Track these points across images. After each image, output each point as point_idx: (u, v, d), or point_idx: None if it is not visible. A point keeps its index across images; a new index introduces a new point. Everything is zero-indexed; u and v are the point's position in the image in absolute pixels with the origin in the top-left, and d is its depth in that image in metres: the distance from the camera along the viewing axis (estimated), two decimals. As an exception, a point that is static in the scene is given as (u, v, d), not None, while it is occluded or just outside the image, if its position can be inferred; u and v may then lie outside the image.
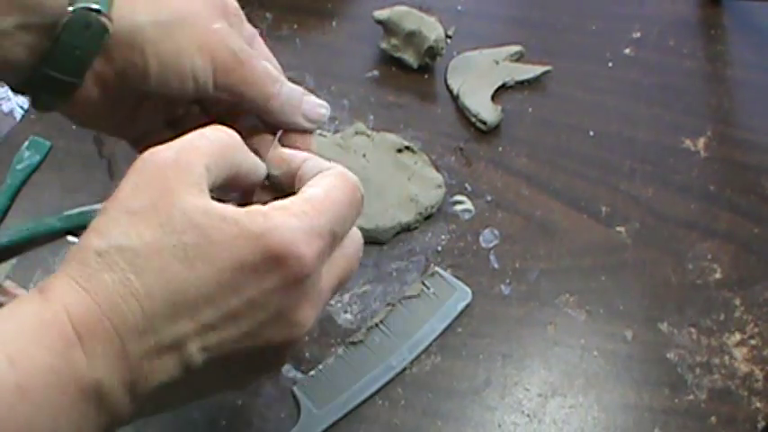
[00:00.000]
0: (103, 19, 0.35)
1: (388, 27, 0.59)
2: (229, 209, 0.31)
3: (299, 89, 0.41)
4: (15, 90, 0.38)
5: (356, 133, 0.55)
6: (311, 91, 0.52)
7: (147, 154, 0.32)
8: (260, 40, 0.43)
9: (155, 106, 0.41)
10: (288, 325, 0.32)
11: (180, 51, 0.37)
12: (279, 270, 0.31)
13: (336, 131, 0.56)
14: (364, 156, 0.53)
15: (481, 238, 0.52)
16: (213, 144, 0.33)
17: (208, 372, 0.31)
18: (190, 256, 0.30)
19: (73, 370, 0.28)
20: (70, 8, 0.35)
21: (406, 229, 0.51)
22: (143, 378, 0.30)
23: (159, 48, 0.37)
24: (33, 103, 0.38)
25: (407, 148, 0.54)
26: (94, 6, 0.35)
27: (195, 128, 0.34)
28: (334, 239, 0.33)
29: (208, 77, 0.38)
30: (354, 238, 0.36)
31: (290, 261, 0.31)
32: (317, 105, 0.42)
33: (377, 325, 0.47)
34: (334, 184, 0.35)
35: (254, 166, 0.36)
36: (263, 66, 0.39)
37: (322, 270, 0.33)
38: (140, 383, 0.30)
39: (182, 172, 0.31)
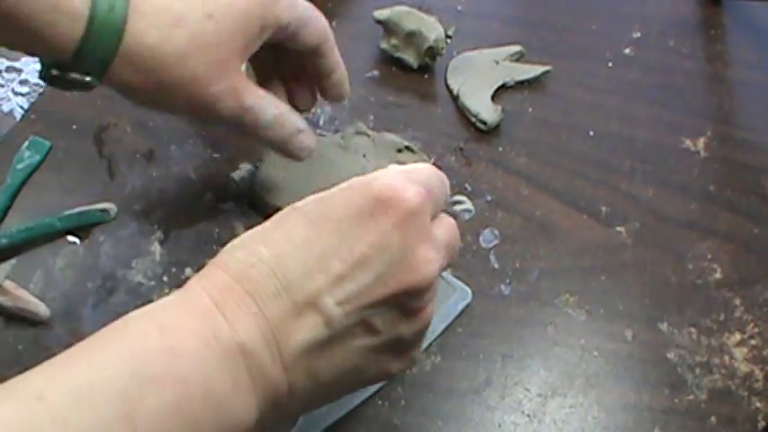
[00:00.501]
0: (91, 80, 0.39)
1: (388, 27, 0.59)
2: None
3: (292, 128, 0.45)
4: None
5: (356, 133, 0.55)
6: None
7: None
8: (310, 24, 0.44)
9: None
10: (413, 265, 0.33)
11: (166, 111, 0.43)
12: (390, 211, 0.32)
13: (336, 131, 0.56)
14: (364, 156, 0.53)
15: (481, 238, 0.52)
16: None
17: (350, 331, 0.33)
18: (311, 219, 0.33)
19: (216, 334, 0.30)
20: (59, 73, 0.39)
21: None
22: (286, 337, 0.31)
23: (146, 105, 0.42)
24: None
25: (407, 147, 0.54)
26: (87, 78, 0.39)
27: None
28: (432, 197, 0.35)
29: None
30: (449, 218, 0.38)
31: (397, 200, 0.32)
32: (306, 146, 0.47)
33: (377, 325, 0.47)
34: (425, 165, 0.37)
35: None
36: (249, 119, 0.43)
37: (429, 219, 0.34)
38: (284, 343, 0.31)
39: None
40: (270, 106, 0.43)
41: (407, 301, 0.33)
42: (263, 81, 0.48)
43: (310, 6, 0.44)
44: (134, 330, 0.30)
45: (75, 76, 0.38)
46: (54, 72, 0.39)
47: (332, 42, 0.46)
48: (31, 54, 0.40)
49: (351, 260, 0.32)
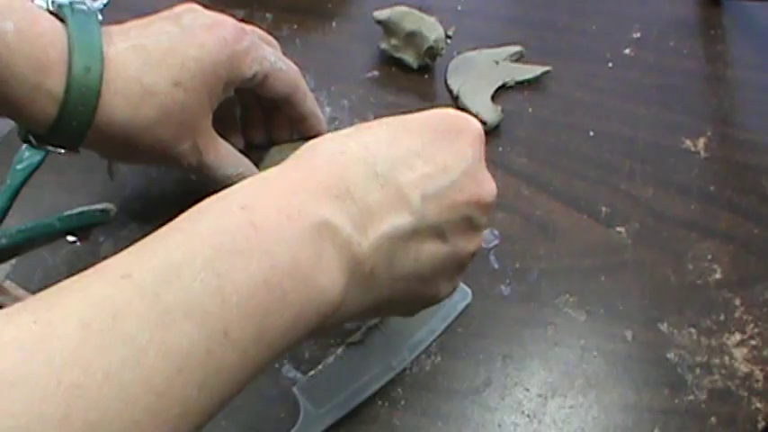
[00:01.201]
0: (63, 151, 0.43)
1: (388, 27, 0.59)
2: None
3: None
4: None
5: (356, 133, 0.55)
6: (311, 91, 0.52)
7: None
8: (278, 72, 0.47)
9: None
10: (482, 181, 0.37)
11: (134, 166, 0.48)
12: (465, 132, 0.37)
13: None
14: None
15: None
16: None
17: (427, 232, 0.35)
18: (395, 127, 0.36)
19: (300, 209, 0.30)
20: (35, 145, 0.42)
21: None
22: (372, 220, 0.32)
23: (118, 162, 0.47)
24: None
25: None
26: (60, 151, 0.43)
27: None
28: None
29: (194, 156, 0.45)
30: None
31: (470, 126, 0.37)
32: None
33: (377, 325, 0.47)
34: None
35: None
36: (210, 175, 0.46)
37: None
38: (371, 225, 0.32)
39: None
40: (229, 166, 0.47)
41: (473, 214, 0.36)
42: (246, 111, 0.52)
43: (283, 59, 0.47)
44: (215, 211, 0.29)
45: (50, 147, 0.42)
46: (31, 139, 0.42)
47: (303, 92, 0.49)
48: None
49: (435, 165, 0.35)
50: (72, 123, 0.40)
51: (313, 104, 0.50)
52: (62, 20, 0.40)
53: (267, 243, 0.29)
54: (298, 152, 0.34)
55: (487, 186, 0.37)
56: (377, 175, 0.33)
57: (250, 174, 0.47)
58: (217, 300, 0.27)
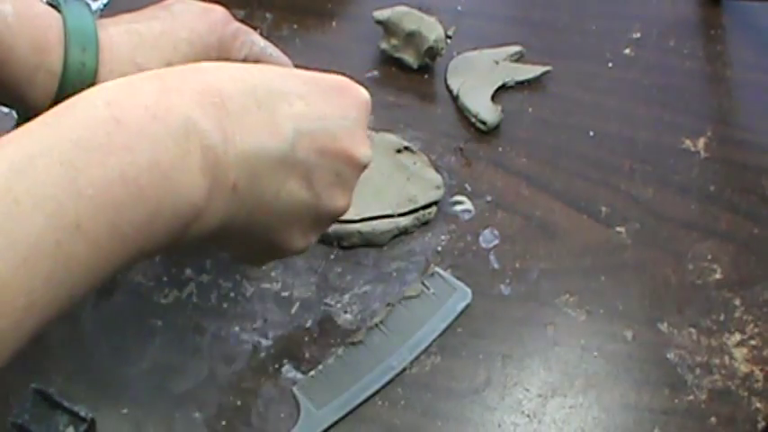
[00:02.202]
0: None
1: (388, 27, 0.59)
2: None
3: None
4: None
5: (356, 133, 0.55)
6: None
7: None
8: (267, 51, 0.47)
9: None
10: (359, 140, 0.38)
11: None
12: (352, 95, 0.38)
13: (336, 131, 0.55)
14: (364, 156, 0.53)
15: (481, 239, 0.52)
16: None
17: (293, 169, 0.35)
18: (286, 72, 0.37)
19: (169, 109, 0.30)
20: None
21: (404, 232, 0.51)
22: (242, 132, 0.33)
23: None
24: None
25: (407, 148, 0.54)
26: None
27: None
28: None
29: None
30: None
31: (358, 91, 0.39)
32: None
33: (377, 325, 0.47)
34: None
35: None
36: None
37: None
38: (240, 138, 0.33)
39: None
40: None
41: (343, 170, 0.38)
42: None
43: (272, 47, 0.47)
44: (81, 105, 0.30)
45: None
46: None
47: None
48: (6, 106, 0.43)
49: (314, 110, 0.36)
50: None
51: None
52: (56, 8, 0.41)
53: (128, 139, 0.29)
54: (183, 66, 0.34)
55: (363, 149, 0.38)
56: (255, 98, 0.34)
57: None
58: (70, 192, 0.27)
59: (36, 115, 0.41)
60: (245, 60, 0.45)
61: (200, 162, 0.31)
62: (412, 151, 0.54)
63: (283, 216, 0.37)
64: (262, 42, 0.47)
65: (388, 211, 0.51)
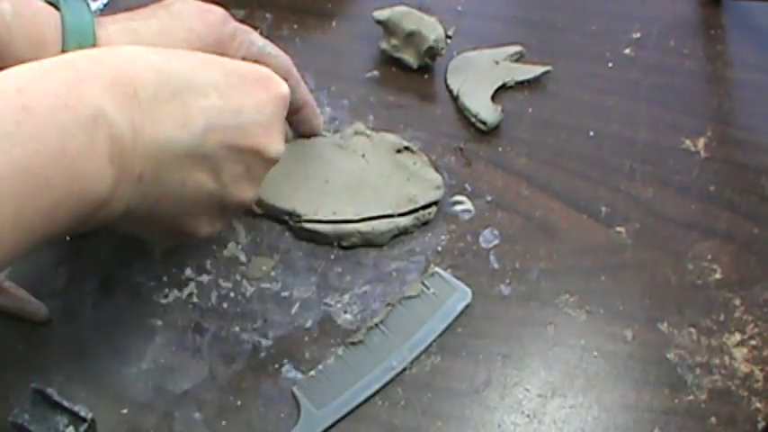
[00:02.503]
0: None
1: (388, 27, 0.59)
2: None
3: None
4: None
5: (356, 133, 0.55)
6: (311, 91, 0.52)
7: None
8: (267, 52, 0.47)
9: None
10: (271, 135, 0.38)
11: None
12: (271, 88, 0.39)
13: (336, 131, 0.55)
14: (363, 156, 0.53)
15: (481, 239, 0.52)
16: None
17: (201, 161, 0.35)
18: (206, 58, 0.37)
19: (80, 98, 0.31)
20: None
21: (404, 232, 0.52)
22: (151, 124, 0.33)
23: None
24: None
25: (407, 148, 0.54)
26: None
27: None
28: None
29: None
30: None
31: (277, 84, 0.39)
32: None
33: (377, 325, 0.47)
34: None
35: None
36: None
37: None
38: (149, 129, 0.33)
39: None
40: None
41: (252, 164, 0.38)
42: None
43: (271, 45, 0.47)
44: None
45: None
46: None
47: (295, 80, 0.49)
48: None
49: (229, 103, 0.36)
50: None
51: (306, 93, 0.50)
52: (55, 6, 0.41)
53: (36, 128, 0.29)
54: (98, 49, 0.34)
55: (275, 145, 0.39)
56: (169, 89, 0.34)
57: None
58: None
59: None
60: (243, 60, 0.45)
61: (108, 152, 0.31)
62: (412, 151, 0.54)
63: (188, 205, 0.37)
64: (260, 42, 0.47)
65: (388, 211, 0.51)
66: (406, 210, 0.52)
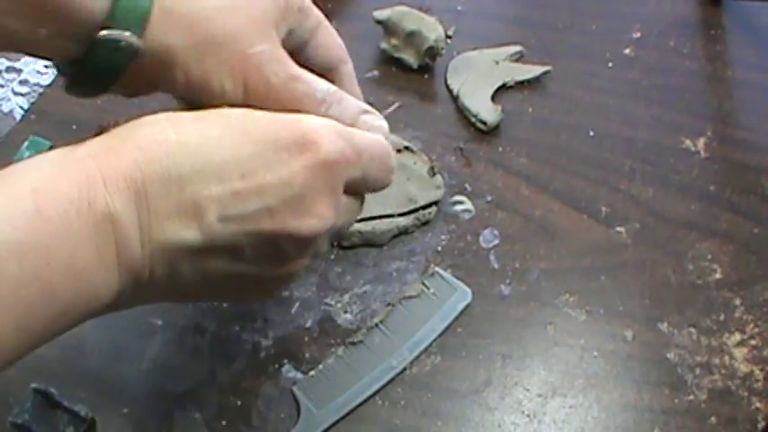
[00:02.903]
0: (134, 40, 0.35)
1: (388, 27, 0.59)
2: None
3: (354, 107, 0.40)
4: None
5: (356, 133, 0.54)
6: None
7: None
8: (325, 32, 0.43)
9: None
10: (305, 213, 0.33)
11: (209, 75, 0.37)
12: (307, 154, 0.33)
13: (336, 131, 0.55)
14: (364, 156, 0.53)
15: (481, 239, 0.52)
16: None
17: (220, 250, 0.32)
18: (230, 124, 0.32)
19: (92, 203, 0.29)
20: (103, 32, 0.35)
21: (404, 232, 0.52)
22: (159, 227, 0.31)
23: (188, 70, 0.37)
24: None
25: (407, 148, 0.54)
26: (126, 34, 0.35)
27: None
28: (355, 163, 0.35)
29: (238, 99, 0.37)
30: (359, 202, 0.38)
31: (317, 146, 0.33)
32: (372, 127, 0.40)
33: (377, 325, 0.47)
34: (376, 138, 0.37)
35: None
36: (303, 89, 0.38)
37: (343, 181, 0.34)
38: (156, 231, 0.31)
39: None
40: (321, 80, 0.39)
41: (284, 246, 0.34)
42: None
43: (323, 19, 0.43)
44: (5, 188, 0.29)
45: (113, 34, 0.35)
46: (95, 41, 0.35)
47: (349, 66, 0.44)
48: (42, 57, 0.38)
49: (251, 183, 0.32)
50: (128, 14, 0.35)
51: (319, 14, 0.44)
52: None
53: (48, 237, 0.28)
54: (118, 129, 0.32)
55: (311, 221, 0.33)
56: (179, 178, 0.31)
57: (344, 93, 0.41)
58: None
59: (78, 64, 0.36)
60: (304, 13, 0.40)
61: (116, 257, 0.30)
62: (412, 151, 0.54)
63: (216, 287, 0.35)
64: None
65: (389, 211, 0.51)
66: (406, 210, 0.52)
